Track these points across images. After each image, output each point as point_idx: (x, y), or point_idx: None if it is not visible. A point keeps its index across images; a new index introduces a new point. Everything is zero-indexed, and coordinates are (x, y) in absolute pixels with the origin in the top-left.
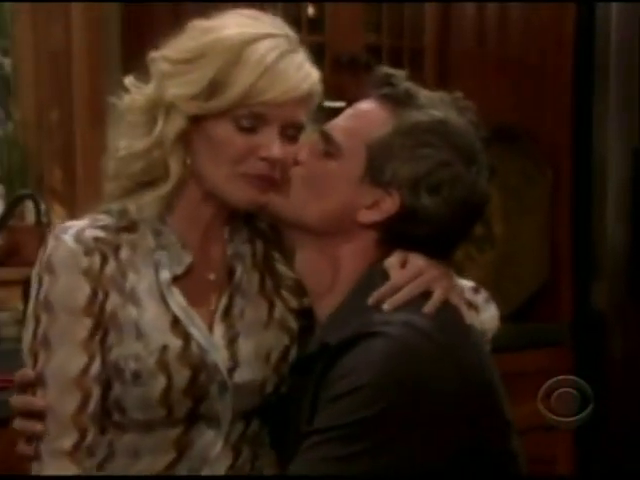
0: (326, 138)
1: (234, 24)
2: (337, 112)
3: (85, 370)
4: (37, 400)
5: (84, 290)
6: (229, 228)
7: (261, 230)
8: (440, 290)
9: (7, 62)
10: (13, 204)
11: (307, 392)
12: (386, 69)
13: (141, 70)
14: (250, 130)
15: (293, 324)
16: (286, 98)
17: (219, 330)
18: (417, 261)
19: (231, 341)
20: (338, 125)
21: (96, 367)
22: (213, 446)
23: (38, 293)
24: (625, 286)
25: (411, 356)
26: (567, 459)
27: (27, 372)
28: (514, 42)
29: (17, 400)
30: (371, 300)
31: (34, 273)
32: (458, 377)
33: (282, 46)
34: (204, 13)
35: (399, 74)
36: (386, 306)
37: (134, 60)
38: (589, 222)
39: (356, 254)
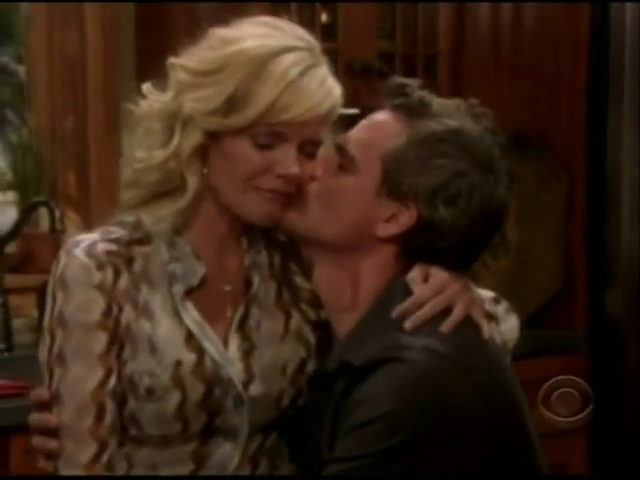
0: (340, 151)
1: (256, 35)
2: (350, 119)
3: (102, 384)
4: (51, 418)
5: (99, 304)
6: (246, 238)
7: (278, 240)
8: (461, 306)
9: (22, 69)
10: (27, 211)
11: (327, 410)
12: (399, 79)
13: (156, 76)
14: (268, 147)
15: (310, 336)
16: (308, 117)
17: (234, 342)
18: (439, 275)
19: (246, 353)
20: (352, 138)
21: (112, 381)
22: (231, 459)
23: (53, 309)
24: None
25: (432, 382)
26: (581, 466)
27: (42, 392)
28: (528, 47)
29: (33, 418)
30: (394, 314)
31: (49, 289)
32: (480, 399)
33: (305, 60)
34: (220, 19)
35: (412, 83)
36: (409, 324)
37: (149, 67)
38: (604, 228)
39: (375, 269)
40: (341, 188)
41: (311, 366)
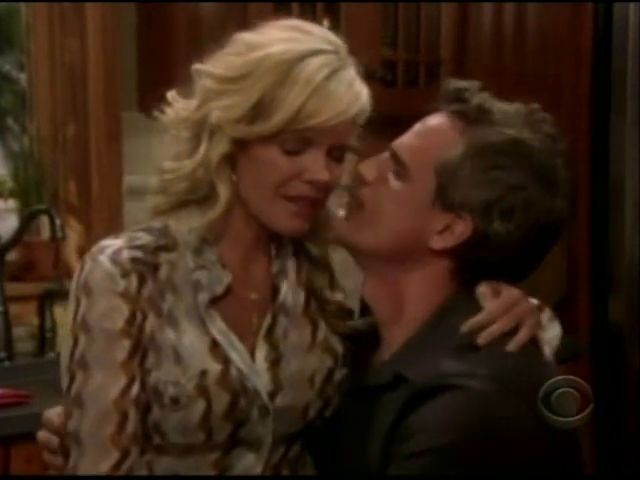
0: (394, 157)
1: (281, 40)
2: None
3: (124, 392)
4: (53, 439)
5: (122, 312)
6: (275, 245)
7: (306, 249)
8: (528, 327)
9: (23, 77)
10: (28, 219)
11: (377, 423)
12: (458, 82)
13: (158, 83)
14: (296, 153)
15: (338, 346)
16: (336, 122)
17: (261, 351)
18: (511, 292)
19: (273, 363)
20: (406, 144)
21: (135, 389)
22: (253, 469)
23: (76, 314)
24: None
25: (494, 416)
26: (587, 471)
27: (53, 416)
28: (531, 55)
29: (41, 435)
30: (465, 328)
31: (71, 293)
32: (543, 433)
33: (331, 64)
34: (223, 28)
35: (472, 87)
36: (481, 340)
37: (150, 74)
38: (606, 235)
39: (428, 282)
40: (394, 196)
41: (338, 376)
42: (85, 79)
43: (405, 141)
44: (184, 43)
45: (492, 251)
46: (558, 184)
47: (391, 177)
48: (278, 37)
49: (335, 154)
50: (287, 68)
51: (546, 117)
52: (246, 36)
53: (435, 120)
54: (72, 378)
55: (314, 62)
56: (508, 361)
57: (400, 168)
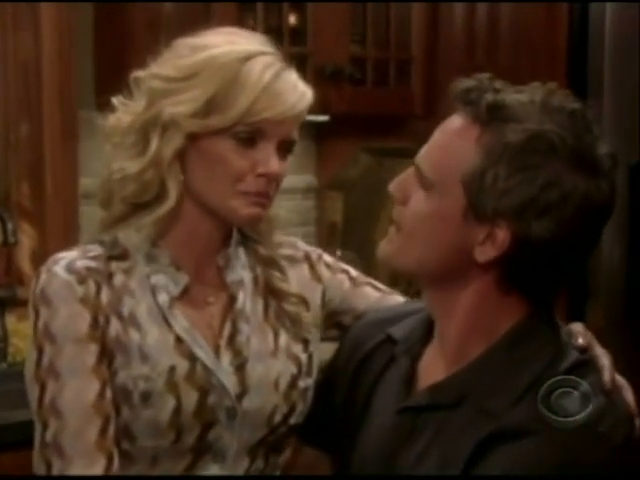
0: (419, 174)
1: (224, 42)
2: (319, 126)
3: (101, 395)
4: None
5: (85, 317)
6: (222, 254)
7: (260, 255)
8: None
9: None
10: None
11: (443, 441)
12: (464, 83)
13: (115, 82)
14: (249, 143)
15: (301, 355)
16: (283, 117)
17: (226, 357)
18: (593, 338)
19: (239, 368)
20: (427, 158)
21: (109, 391)
22: None
23: (36, 324)
24: (621, 306)
25: (578, 463)
26: None
27: None
28: (504, 54)
29: None
30: (607, 386)
31: (29, 305)
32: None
33: (275, 64)
34: (184, 27)
35: (480, 84)
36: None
37: (107, 71)
38: None
39: (485, 297)
40: (426, 214)
41: (302, 384)
42: (39, 76)
43: (426, 155)
44: (143, 40)
45: (539, 253)
46: (596, 163)
47: (420, 194)
48: (218, 40)
49: (284, 147)
50: (235, 68)
51: (566, 94)
52: (187, 40)
53: (452, 126)
54: (43, 388)
55: (259, 61)
56: (600, 403)
57: (427, 184)
